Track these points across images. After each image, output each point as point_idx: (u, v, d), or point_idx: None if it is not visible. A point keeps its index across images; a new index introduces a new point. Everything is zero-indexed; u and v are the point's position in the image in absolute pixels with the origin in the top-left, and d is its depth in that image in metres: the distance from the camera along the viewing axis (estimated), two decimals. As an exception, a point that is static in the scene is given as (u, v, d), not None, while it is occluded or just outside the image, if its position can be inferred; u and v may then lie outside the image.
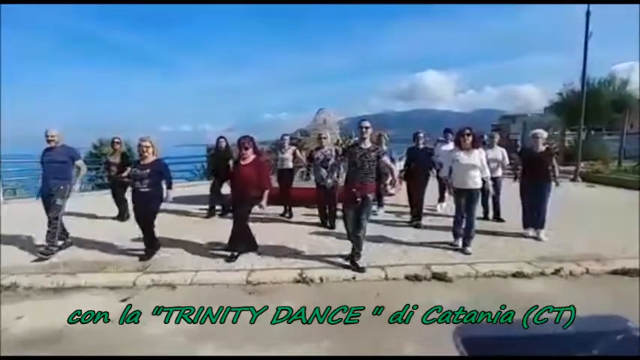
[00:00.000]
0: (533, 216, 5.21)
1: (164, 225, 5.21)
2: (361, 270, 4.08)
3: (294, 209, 6.84)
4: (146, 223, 4.59)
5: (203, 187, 8.75)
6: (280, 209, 6.78)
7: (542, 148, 5.12)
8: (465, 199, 4.69)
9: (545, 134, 5.22)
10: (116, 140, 6.88)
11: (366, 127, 4.26)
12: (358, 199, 4.10)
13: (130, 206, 6.67)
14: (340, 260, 4.41)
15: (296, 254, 4.69)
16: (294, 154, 6.74)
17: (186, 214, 7.20)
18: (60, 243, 4.93)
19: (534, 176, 5.10)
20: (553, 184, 5.14)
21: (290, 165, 6.71)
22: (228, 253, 4.55)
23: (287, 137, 6.99)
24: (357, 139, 5.08)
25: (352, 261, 4.21)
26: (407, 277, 3.95)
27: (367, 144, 4.27)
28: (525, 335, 0.84)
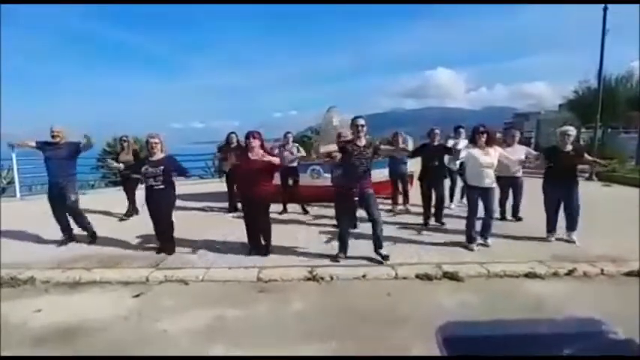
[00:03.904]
0: (557, 219, 4.98)
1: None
2: (386, 258, 4.24)
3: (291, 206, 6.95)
4: (166, 220, 4.67)
5: (214, 185, 8.84)
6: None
7: (570, 146, 4.84)
8: (481, 197, 4.62)
9: (574, 131, 4.94)
10: (124, 138, 6.97)
11: (362, 125, 4.19)
12: (356, 199, 4.18)
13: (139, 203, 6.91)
14: (351, 259, 4.40)
15: (307, 252, 4.70)
16: (297, 151, 6.82)
17: (199, 211, 7.28)
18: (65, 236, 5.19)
19: (563, 176, 4.82)
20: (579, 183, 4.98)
21: (294, 163, 6.75)
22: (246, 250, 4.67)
23: (290, 135, 6.99)
24: (368, 137, 5.05)
25: (377, 251, 4.33)
26: (418, 276, 3.93)
27: (362, 141, 4.22)
28: (508, 334, 0.86)
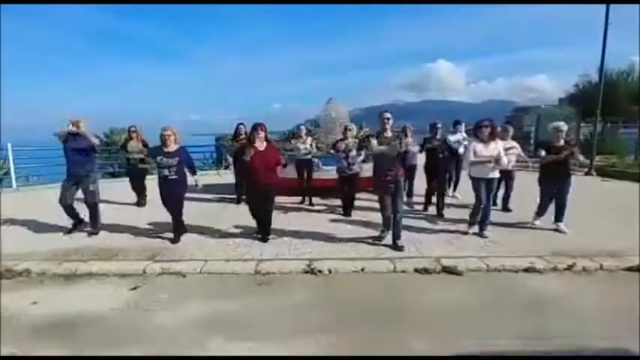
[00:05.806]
0: (547, 209, 5.23)
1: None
2: (401, 249, 4.39)
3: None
4: (177, 208, 4.84)
5: (210, 177, 8.79)
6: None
7: (562, 141, 5.08)
8: (484, 187, 4.86)
9: (565, 127, 5.18)
10: (132, 129, 6.85)
11: (388, 118, 4.52)
12: (391, 185, 4.41)
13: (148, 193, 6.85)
14: (351, 253, 4.38)
15: (305, 244, 4.68)
16: (311, 144, 6.82)
17: (201, 202, 7.24)
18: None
19: (555, 170, 5.05)
20: (572, 177, 5.15)
21: (309, 155, 6.73)
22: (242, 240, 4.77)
23: (303, 127, 7.01)
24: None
25: (394, 242, 4.50)
26: (416, 270, 3.91)
27: (389, 133, 4.53)
28: None
